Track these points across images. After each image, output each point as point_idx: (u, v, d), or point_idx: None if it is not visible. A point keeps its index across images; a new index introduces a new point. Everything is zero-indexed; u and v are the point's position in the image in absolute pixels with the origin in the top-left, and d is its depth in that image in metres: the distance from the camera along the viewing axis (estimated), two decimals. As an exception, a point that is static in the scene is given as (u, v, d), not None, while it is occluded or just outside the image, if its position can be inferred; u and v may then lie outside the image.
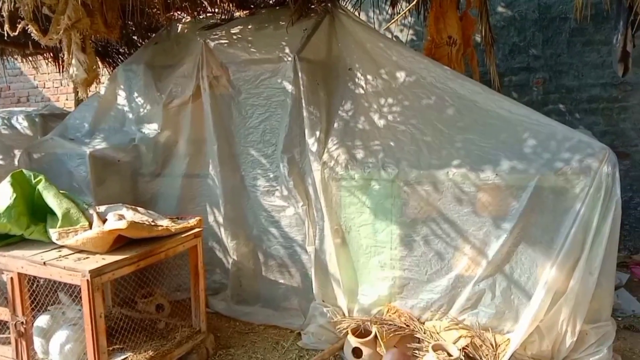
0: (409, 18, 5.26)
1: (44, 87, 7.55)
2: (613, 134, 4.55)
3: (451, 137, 3.04)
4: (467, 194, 2.89)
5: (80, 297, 2.57)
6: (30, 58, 5.81)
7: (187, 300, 3.36)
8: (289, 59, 3.38)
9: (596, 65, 4.60)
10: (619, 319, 3.37)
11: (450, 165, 2.92)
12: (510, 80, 4.86)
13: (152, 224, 2.80)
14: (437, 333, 2.95)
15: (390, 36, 5.23)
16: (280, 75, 3.44)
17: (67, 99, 7.33)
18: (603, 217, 2.63)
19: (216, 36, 3.67)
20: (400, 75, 3.32)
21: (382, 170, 3.06)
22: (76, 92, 5.66)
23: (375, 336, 2.92)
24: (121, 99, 3.93)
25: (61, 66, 5.63)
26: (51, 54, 5.53)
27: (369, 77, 3.40)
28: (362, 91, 3.39)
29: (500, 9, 4.91)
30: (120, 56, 5.50)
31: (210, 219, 3.72)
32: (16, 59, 6.14)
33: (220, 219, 3.65)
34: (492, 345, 2.84)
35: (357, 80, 3.43)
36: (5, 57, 5.48)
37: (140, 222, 2.72)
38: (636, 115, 4.51)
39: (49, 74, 7.17)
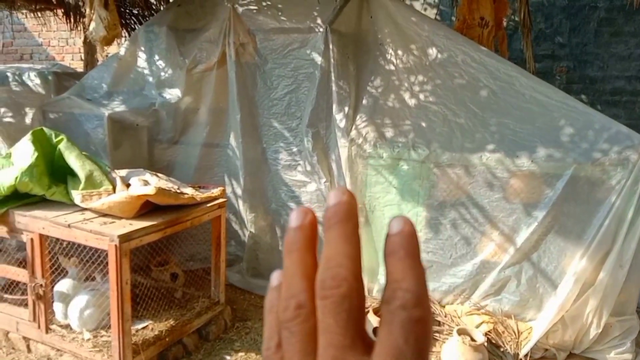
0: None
1: (49, 45, 7.34)
2: (634, 127, 4.46)
3: (485, 120, 2.97)
4: (499, 180, 2.84)
5: (96, 263, 2.52)
6: (38, 13, 5.63)
7: (200, 270, 3.31)
8: (321, 29, 3.27)
9: (622, 58, 4.52)
10: (635, 313, 3.36)
11: (484, 150, 2.86)
12: (535, 67, 4.78)
13: (178, 191, 2.72)
14: (458, 317, 2.93)
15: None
16: (310, 46, 3.33)
17: (72, 59, 7.14)
18: (638, 210, 2.60)
19: (245, 1, 3.54)
20: (432, 52, 3.22)
21: (412, 150, 2.99)
22: (87, 52, 5.50)
23: (398, 317, 2.88)
24: (141, 61, 3.80)
25: (71, 23, 5.46)
26: (62, 10, 5.35)
27: (399, 52, 3.30)
28: (392, 67, 3.29)
29: (528, -7, 4.80)
30: (134, 17, 5.34)
31: (228, 190, 3.63)
32: (23, 14, 5.96)
33: (239, 191, 3.57)
34: (514, 332, 2.82)
35: (387, 55, 3.33)
36: (14, 10, 5.30)
37: (167, 188, 2.64)
38: (659, 110, 4.46)
39: (55, 31, 6.97)
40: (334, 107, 3.20)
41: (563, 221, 2.74)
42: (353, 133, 3.15)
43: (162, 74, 3.71)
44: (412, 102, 3.16)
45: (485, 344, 2.70)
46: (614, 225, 2.63)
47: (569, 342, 2.80)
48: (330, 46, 3.22)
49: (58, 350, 2.64)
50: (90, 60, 5.65)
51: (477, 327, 2.83)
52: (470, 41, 3.31)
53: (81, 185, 2.62)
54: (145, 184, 2.66)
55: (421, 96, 3.17)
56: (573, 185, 2.69)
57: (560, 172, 2.70)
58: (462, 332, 2.73)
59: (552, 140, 2.78)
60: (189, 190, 2.83)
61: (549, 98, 2.90)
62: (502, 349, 2.77)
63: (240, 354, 2.79)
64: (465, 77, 3.12)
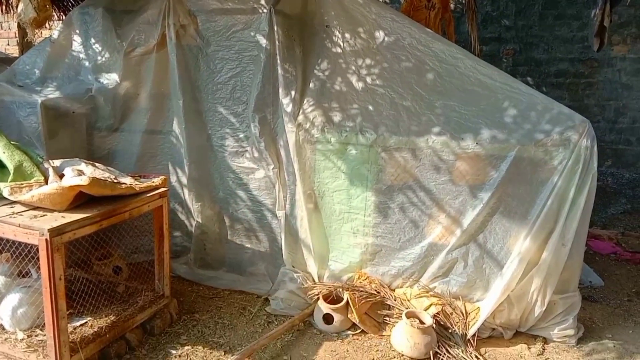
0: (382, -21, 5.09)
1: (-18, 30, 6.91)
2: (577, 109, 4.55)
3: (431, 103, 2.96)
4: (445, 162, 2.84)
5: (28, 257, 2.38)
6: (-33, -5, 5.27)
7: (145, 263, 3.18)
8: (265, 10, 3.18)
9: (566, 40, 4.62)
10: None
11: (431, 132, 2.85)
12: (481, 50, 4.82)
13: (115, 181, 2.59)
14: (408, 300, 2.94)
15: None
16: (254, 28, 3.23)
17: (8, 44, 6.75)
18: (579, 190, 2.65)
19: (185, -19, 3.40)
20: (380, 35, 3.18)
21: (360, 134, 2.95)
22: (22, 36, 5.19)
23: (347, 303, 2.87)
24: (77, 45, 3.60)
25: (3, 6, 5.14)
26: (-8, -8, 5.03)
27: (346, 35, 3.24)
28: (339, 50, 3.23)
29: (475, -25, 4.82)
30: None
31: (173, 179, 3.51)
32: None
33: (184, 180, 3.45)
34: (462, 313, 2.85)
35: (334, 38, 3.26)
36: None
37: (102, 178, 2.50)
38: (600, 92, 4.59)
39: (-13, 15, 6.56)
40: (281, 91, 3.12)
41: (507, 202, 2.77)
42: (300, 118, 3.08)
43: (99, 58, 3.52)
44: (359, 85, 3.12)
45: (434, 325, 2.72)
46: (556, 205, 2.68)
47: (515, 321, 2.85)
48: (275, 28, 3.13)
49: (-10, 352, 2.49)
50: (26, 45, 5.33)
51: (426, 309, 2.84)
52: (417, 24, 3.29)
53: (10, 177, 2.47)
54: (80, 174, 2.52)
55: (368, 79, 3.12)
56: (517, 166, 2.71)
57: (504, 153, 2.72)
58: (410, 315, 2.74)
59: (496, 121, 2.80)
60: (127, 180, 2.70)
61: (493, 80, 2.91)
62: (450, 330, 2.79)
63: (187, 347, 2.71)
64: (411, 60, 3.09)
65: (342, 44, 3.24)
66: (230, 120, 3.36)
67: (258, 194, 3.35)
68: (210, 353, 2.66)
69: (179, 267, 3.51)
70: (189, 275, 3.48)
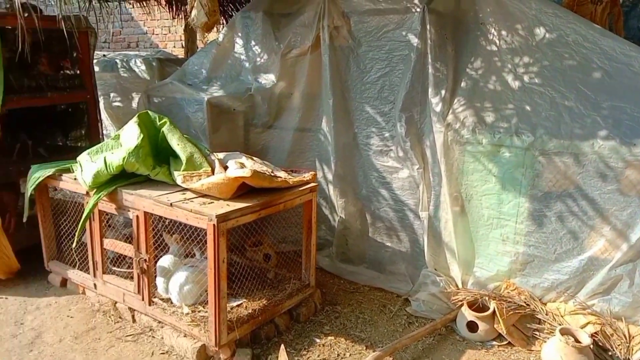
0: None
1: (153, 34, 7.76)
2: None
3: (598, 104, 2.72)
4: (613, 170, 2.60)
5: (195, 241, 2.62)
6: (143, 3, 5.94)
7: (291, 252, 3.34)
8: (418, 9, 3.16)
9: None
10: None
11: (597, 136, 2.62)
12: (654, 46, 4.33)
13: (272, 174, 2.76)
14: (561, 316, 2.74)
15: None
16: (406, 27, 3.23)
17: (174, 46, 7.50)
18: None
19: (340, -17, 3.50)
20: (540, 32, 2.99)
21: (515, 136, 2.81)
22: (187, 39, 5.74)
23: (494, 312, 2.76)
24: (238, 47, 3.89)
25: (173, 12, 5.72)
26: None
27: (503, 32, 3.10)
28: (494, 48, 3.10)
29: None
30: (230, 4, 5.48)
31: (319, 174, 3.64)
32: (130, 4, 6.31)
33: (330, 176, 3.57)
34: (625, 336, 2.59)
35: (489, 36, 3.13)
36: (122, 1, 5.61)
37: (262, 171, 2.68)
38: None
39: (158, 20, 7.34)
40: (430, 90, 3.09)
41: (688, 217, 2.46)
42: (450, 118, 3.02)
43: (258, 59, 3.76)
44: (515, 84, 2.97)
45: (591, 346, 2.51)
46: None
47: (690, 352, 2.53)
48: (428, 27, 3.10)
49: (159, 322, 2.79)
50: (190, 47, 5.89)
51: (582, 327, 2.63)
52: (582, 19, 3.04)
53: (182, 167, 2.73)
54: (242, 166, 2.72)
55: (526, 78, 2.96)
56: (702, 177, 2.40)
57: (687, 162, 2.42)
58: (565, 332, 2.55)
59: (677, 126, 2.50)
60: (282, 174, 2.86)
61: (674, 80, 2.60)
62: (610, 353, 2.56)
63: (330, 337, 2.80)
64: (576, 58, 2.87)
65: (497, 41, 3.10)
66: (377, 120, 3.39)
67: (401, 193, 3.35)
68: (352, 346, 2.73)
69: (322, 259, 3.64)
70: (330, 268, 3.60)
